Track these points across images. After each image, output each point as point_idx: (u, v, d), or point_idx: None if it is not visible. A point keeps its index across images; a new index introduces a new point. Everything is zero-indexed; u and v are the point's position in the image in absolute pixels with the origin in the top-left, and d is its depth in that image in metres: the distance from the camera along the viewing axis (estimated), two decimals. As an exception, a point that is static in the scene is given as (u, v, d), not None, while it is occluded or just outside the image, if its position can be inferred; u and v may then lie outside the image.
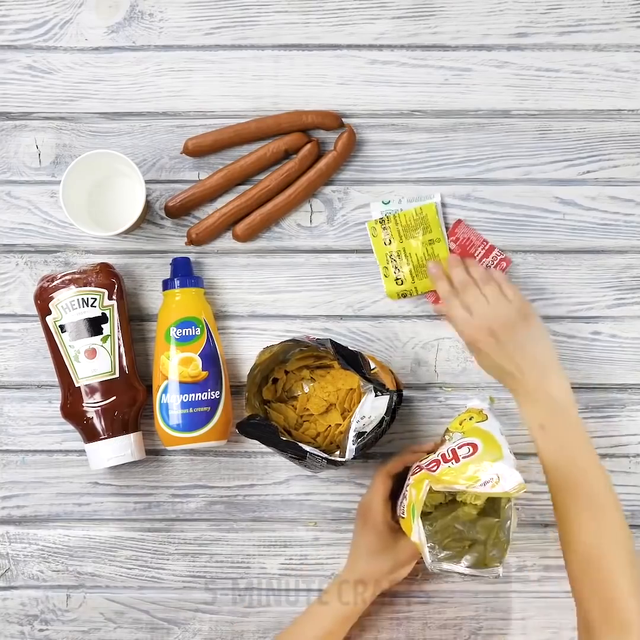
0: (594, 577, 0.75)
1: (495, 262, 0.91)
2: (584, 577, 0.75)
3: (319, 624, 0.83)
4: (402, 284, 0.90)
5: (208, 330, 0.88)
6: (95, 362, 0.87)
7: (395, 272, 0.90)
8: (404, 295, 0.91)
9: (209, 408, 0.87)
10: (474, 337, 0.84)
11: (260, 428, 0.81)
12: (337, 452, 0.83)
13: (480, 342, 0.83)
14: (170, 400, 0.87)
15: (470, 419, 0.81)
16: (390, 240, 0.90)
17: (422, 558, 0.76)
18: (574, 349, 0.92)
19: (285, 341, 0.83)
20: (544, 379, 0.82)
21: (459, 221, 0.91)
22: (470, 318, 0.83)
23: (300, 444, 0.80)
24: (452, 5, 0.92)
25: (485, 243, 0.91)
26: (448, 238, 0.91)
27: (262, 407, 0.87)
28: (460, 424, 0.81)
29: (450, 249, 0.91)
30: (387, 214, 0.90)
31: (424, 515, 0.80)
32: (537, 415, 0.81)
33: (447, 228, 0.92)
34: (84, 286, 0.87)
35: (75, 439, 0.90)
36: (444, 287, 0.86)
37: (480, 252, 0.91)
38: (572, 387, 0.90)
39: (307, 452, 0.79)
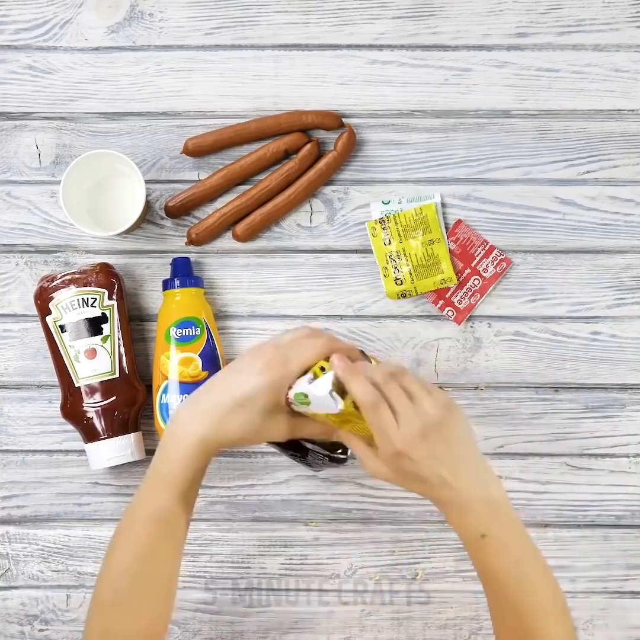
0: None
1: (495, 262, 0.91)
2: None
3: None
4: (401, 284, 0.90)
5: (208, 330, 0.88)
6: (95, 362, 0.87)
7: (394, 272, 0.90)
8: (404, 295, 0.91)
9: (209, 408, 0.86)
10: (404, 445, 0.67)
11: None
12: (340, 451, 0.83)
13: (412, 450, 0.67)
14: (170, 400, 0.87)
15: None
16: (390, 240, 0.90)
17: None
18: (574, 349, 0.92)
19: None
20: (481, 482, 0.69)
21: (459, 221, 0.91)
22: (396, 426, 0.68)
23: (302, 441, 0.80)
24: (452, 5, 0.92)
25: (485, 243, 0.91)
26: (448, 238, 0.91)
27: None
28: None
29: (450, 249, 0.91)
30: (387, 214, 0.90)
31: None
32: (477, 524, 0.69)
33: (447, 228, 0.92)
34: (84, 286, 0.87)
35: (75, 439, 0.90)
36: (366, 389, 0.68)
37: (480, 252, 0.91)
38: (572, 387, 0.91)
39: (309, 449, 0.79)
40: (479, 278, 0.91)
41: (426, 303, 0.92)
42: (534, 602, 0.68)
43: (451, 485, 0.68)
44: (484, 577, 0.71)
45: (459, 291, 0.91)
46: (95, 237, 0.92)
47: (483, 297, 0.91)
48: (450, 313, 0.91)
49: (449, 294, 0.91)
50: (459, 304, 0.91)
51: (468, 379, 0.92)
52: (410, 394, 0.69)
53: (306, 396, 0.70)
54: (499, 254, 0.91)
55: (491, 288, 0.91)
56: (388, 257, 0.90)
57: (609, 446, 0.91)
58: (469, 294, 0.91)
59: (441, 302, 0.91)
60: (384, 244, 0.90)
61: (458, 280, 0.91)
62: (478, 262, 0.91)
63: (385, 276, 0.91)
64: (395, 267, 0.90)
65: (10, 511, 0.92)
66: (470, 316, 0.92)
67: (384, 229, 0.90)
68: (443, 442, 0.68)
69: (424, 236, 0.90)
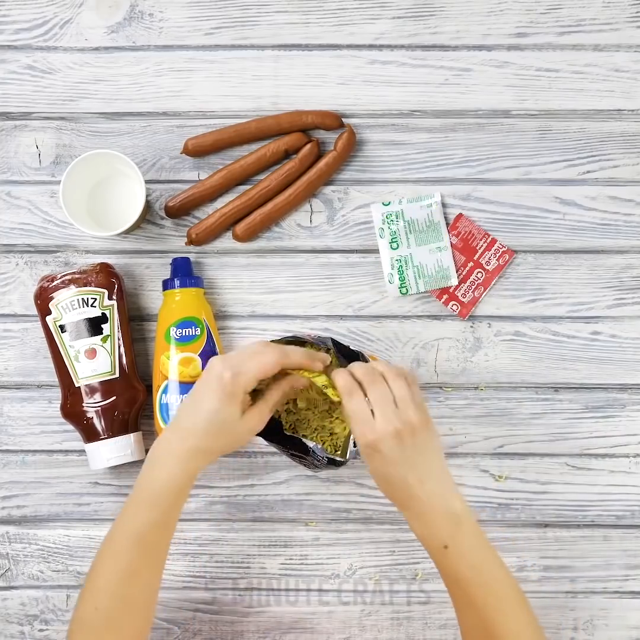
0: None
1: (497, 255, 0.91)
2: None
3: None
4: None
5: (208, 330, 0.88)
6: (95, 362, 0.87)
7: (400, 279, 0.90)
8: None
9: (209, 408, 0.87)
10: (376, 437, 0.70)
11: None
12: (338, 452, 0.83)
13: (383, 444, 0.70)
14: (170, 400, 0.87)
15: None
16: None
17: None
18: (574, 349, 0.92)
19: (285, 337, 0.83)
20: (445, 495, 0.72)
21: (460, 215, 0.91)
22: (372, 417, 0.71)
23: (303, 440, 0.80)
24: (452, 5, 0.92)
25: (486, 236, 0.91)
26: (449, 233, 0.91)
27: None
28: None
29: (452, 244, 0.91)
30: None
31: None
32: (440, 535, 0.72)
33: (447, 225, 0.92)
34: (84, 286, 0.87)
35: (75, 439, 0.90)
36: (345, 378, 0.73)
37: (482, 245, 0.91)
38: (572, 387, 0.91)
39: (310, 448, 0.79)
40: (482, 271, 0.91)
41: (426, 303, 0.92)
42: (495, 604, 0.72)
43: (416, 493, 0.71)
44: (447, 581, 0.74)
45: (462, 285, 0.91)
46: (95, 237, 0.92)
47: (487, 290, 0.91)
48: (454, 307, 0.91)
49: (452, 288, 0.91)
50: (463, 297, 0.91)
51: (468, 379, 0.92)
52: (397, 398, 0.72)
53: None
54: (501, 246, 0.91)
55: (495, 280, 0.91)
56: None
57: (609, 446, 0.91)
58: (473, 287, 0.91)
59: (445, 296, 0.92)
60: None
61: (459, 277, 0.91)
62: (480, 255, 0.91)
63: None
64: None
65: (10, 511, 0.92)
66: (470, 316, 0.92)
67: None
68: (414, 448, 0.71)
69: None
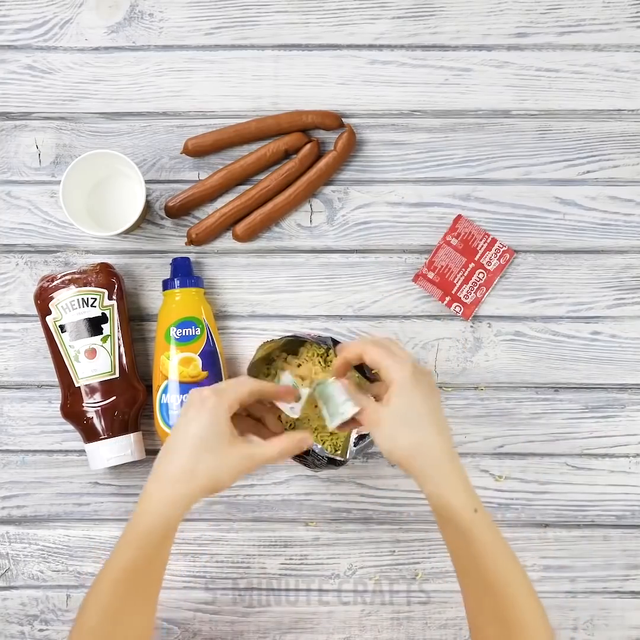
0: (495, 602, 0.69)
1: (498, 254, 0.91)
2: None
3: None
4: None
5: (208, 330, 0.88)
6: (95, 362, 0.87)
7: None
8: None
9: (209, 408, 0.86)
10: (413, 364, 0.71)
11: None
12: (338, 452, 0.83)
13: (419, 373, 0.71)
14: (170, 400, 0.87)
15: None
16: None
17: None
18: (574, 349, 0.92)
19: (285, 337, 0.83)
20: (456, 458, 0.72)
21: (459, 216, 0.91)
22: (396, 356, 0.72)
23: None
24: (452, 5, 0.92)
25: (486, 236, 0.91)
26: (449, 234, 0.91)
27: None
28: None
29: (452, 245, 0.91)
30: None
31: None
32: (470, 498, 0.70)
33: (446, 227, 0.92)
34: (84, 286, 0.87)
35: (75, 439, 0.90)
36: (349, 343, 0.76)
37: (482, 246, 0.91)
38: (572, 387, 0.91)
39: (310, 448, 0.79)
40: (484, 271, 0.91)
41: (426, 303, 0.92)
42: (515, 585, 0.70)
43: (446, 446, 0.70)
44: (465, 562, 0.71)
45: (464, 286, 0.91)
46: (95, 237, 0.92)
47: (489, 290, 0.91)
48: (457, 308, 0.91)
49: (454, 289, 0.91)
50: (466, 298, 0.91)
51: (468, 379, 0.92)
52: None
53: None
54: (501, 246, 0.91)
55: (496, 280, 0.91)
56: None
57: (609, 446, 0.91)
58: (475, 288, 0.91)
59: (448, 298, 0.91)
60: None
61: (460, 279, 0.91)
62: (481, 256, 0.91)
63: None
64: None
65: (10, 511, 0.92)
66: (471, 315, 0.92)
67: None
68: (434, 387, 0.73)
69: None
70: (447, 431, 0.72)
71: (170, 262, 0.91)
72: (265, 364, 0.88)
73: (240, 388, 0.72)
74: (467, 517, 0.69)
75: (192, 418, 0.70)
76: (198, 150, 0.91)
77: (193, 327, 0.88)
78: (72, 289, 0.87)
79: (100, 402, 0.87)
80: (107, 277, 0.88)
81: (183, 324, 0.88)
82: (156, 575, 0.72)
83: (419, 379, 0.71)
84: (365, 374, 0.80)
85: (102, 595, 0.70)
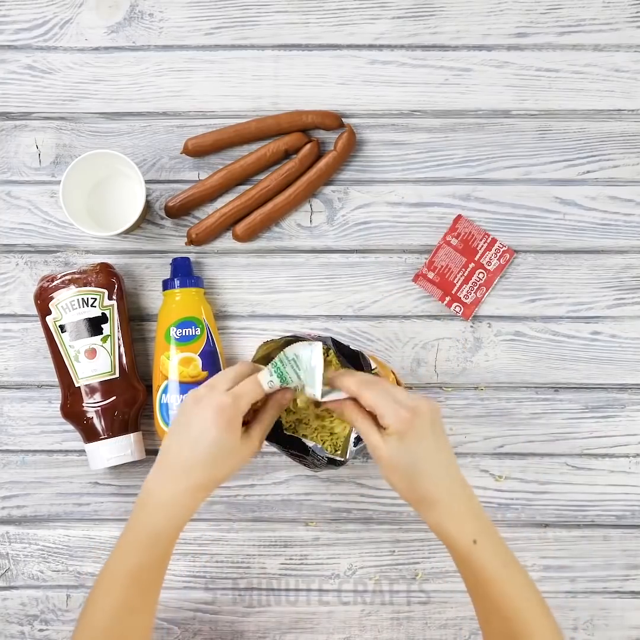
0: None
1: (498, 254, 0.91)
2: None
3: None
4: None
5: (208, 330, 0.88)
6: (95, 362, 0.87)
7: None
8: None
9: (209, 408, 0.86)
10: (413, 411, 0.68)
11: None
12: (338, 452, 0.83)
13: (420, 420, 0.68)
14: (170, 400, 0.87)
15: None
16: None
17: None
18: (574, 349, 0.92)
19: (285, 337, 0.83)
20: (464, 483, 0.71)
21: (459, 216, 0.91)
22: (397, 401, 0.69)
23: (303, 440, 0.80)
24: (452, 5, 0.92)
25: (486, 236, 0.91)
26: (449, 234, 0.91)
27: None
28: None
29: (452, 245, 0.91)
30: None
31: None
32: (468, 529, 0.69)
33: (446, 227, 0.92)
34: (84, 286, 0.87)
35: (75, 439, 0.90)
36: (353, 375, 0.73)
37: (482, 246, 0.91)
38: (572, 387, 0.91)
39: (310, 448, 0.79)
40: (484, 271, 0.91)
41: (426, 303, 0.92)
42: (523, 606, 0.69)
43: (444, 483, 0.69)
44: (471, 584, 0.71)
45: (464, 286, 0.91)
46: (95, 237, 0.92)
47: (489, 290, 0.91)
48: (457, 308, 0.91)
49: (454, 289, 0.91)
50: (466, 298, 0.91)
51: (468, 379, 0.92)
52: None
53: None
54: (501, 246, 0.91)
55: (496, 280, 0.91)
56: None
57: (609, 446, 0.91)
58: (475, 288, 0.91)
59: (448, 298, 0.91)
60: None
61: (460, 279, 0.91)
62: (481, 256, 0.91)
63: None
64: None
65: (10, 511, 0.92)
66: (471, 315, 0.92)
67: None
68: (440, 430, 0.70)
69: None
70: (454, 465, 0.70)
71: (170, 262, 0.91)
72: (265, 364, 0.87)
73: (256, 387, 0.72)
74: (465, 548, 0.69)
75: (204, 427, 0.70)
76: (198, 150, 0.91)
77: (193, 327, 0.88)
78: (72, 289, 0.87)
79: (100, 402, 0.87)
80: (107, 277, 0.88)
81: (183, 324, 0.88)
82: (162, 574, 0.73)
83: (412, 437, 0.68)
84: (342, 353, 0.78)
85: (110, 595, 0.70)
